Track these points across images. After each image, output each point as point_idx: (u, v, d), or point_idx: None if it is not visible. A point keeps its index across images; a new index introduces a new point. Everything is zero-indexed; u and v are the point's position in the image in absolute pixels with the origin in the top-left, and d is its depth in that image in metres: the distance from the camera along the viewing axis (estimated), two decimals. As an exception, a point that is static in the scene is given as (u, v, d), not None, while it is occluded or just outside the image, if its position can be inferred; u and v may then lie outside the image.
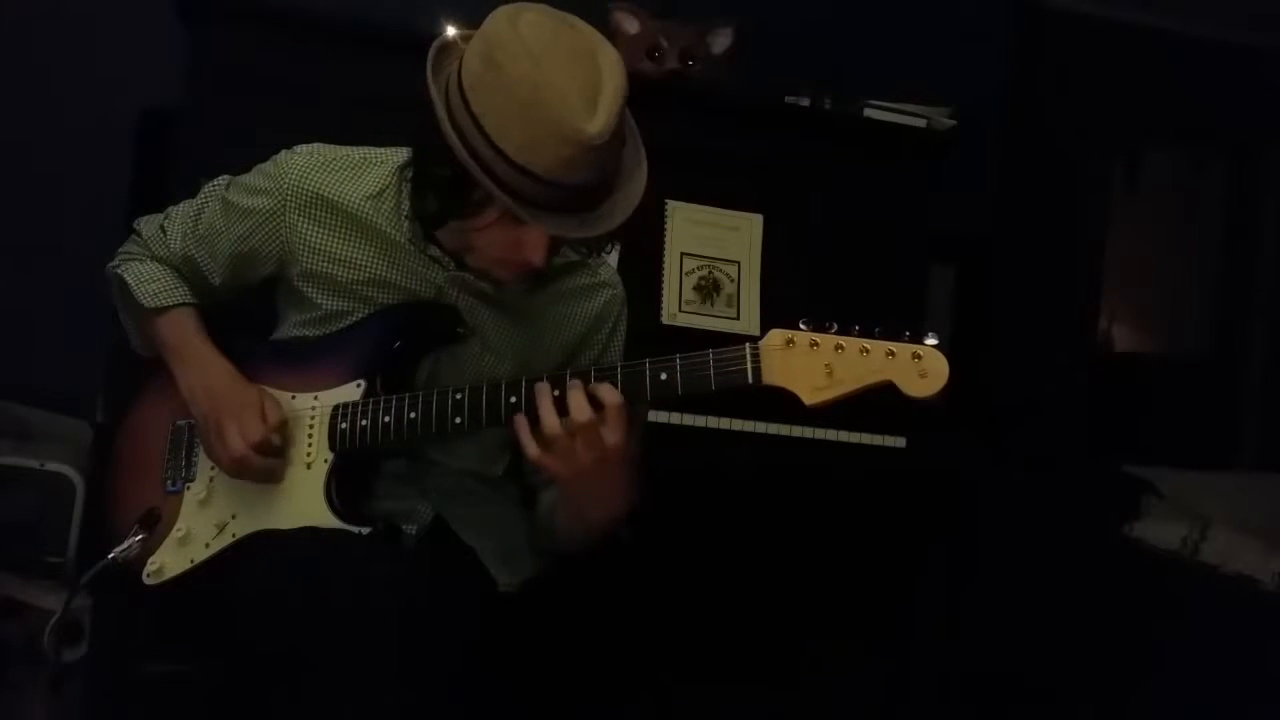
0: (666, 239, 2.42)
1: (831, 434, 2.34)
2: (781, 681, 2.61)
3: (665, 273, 2.40)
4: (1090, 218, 3.68)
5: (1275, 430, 3.74)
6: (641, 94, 1.46)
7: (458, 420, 1.50)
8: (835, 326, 1.39)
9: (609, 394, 1.40)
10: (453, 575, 1.55)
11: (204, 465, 1.61)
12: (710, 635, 2.52)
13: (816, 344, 1.38)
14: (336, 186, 1.60)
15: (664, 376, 1.42)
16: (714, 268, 2.44)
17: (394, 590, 1.36)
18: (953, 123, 2.66)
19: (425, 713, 1.30)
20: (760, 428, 2.30)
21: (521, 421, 1.43)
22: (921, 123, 2.63)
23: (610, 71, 1.39)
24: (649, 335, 1.85)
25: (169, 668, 1.76)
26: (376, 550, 1.48)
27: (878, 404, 1.38)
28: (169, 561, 1.58)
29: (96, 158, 2.56)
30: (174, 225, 1.69)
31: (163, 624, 1.66)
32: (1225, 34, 3.66)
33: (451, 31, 1.46)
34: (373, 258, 1.60)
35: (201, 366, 1.61)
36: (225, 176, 1.69)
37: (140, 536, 1.54)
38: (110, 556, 1.52)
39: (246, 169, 1.67)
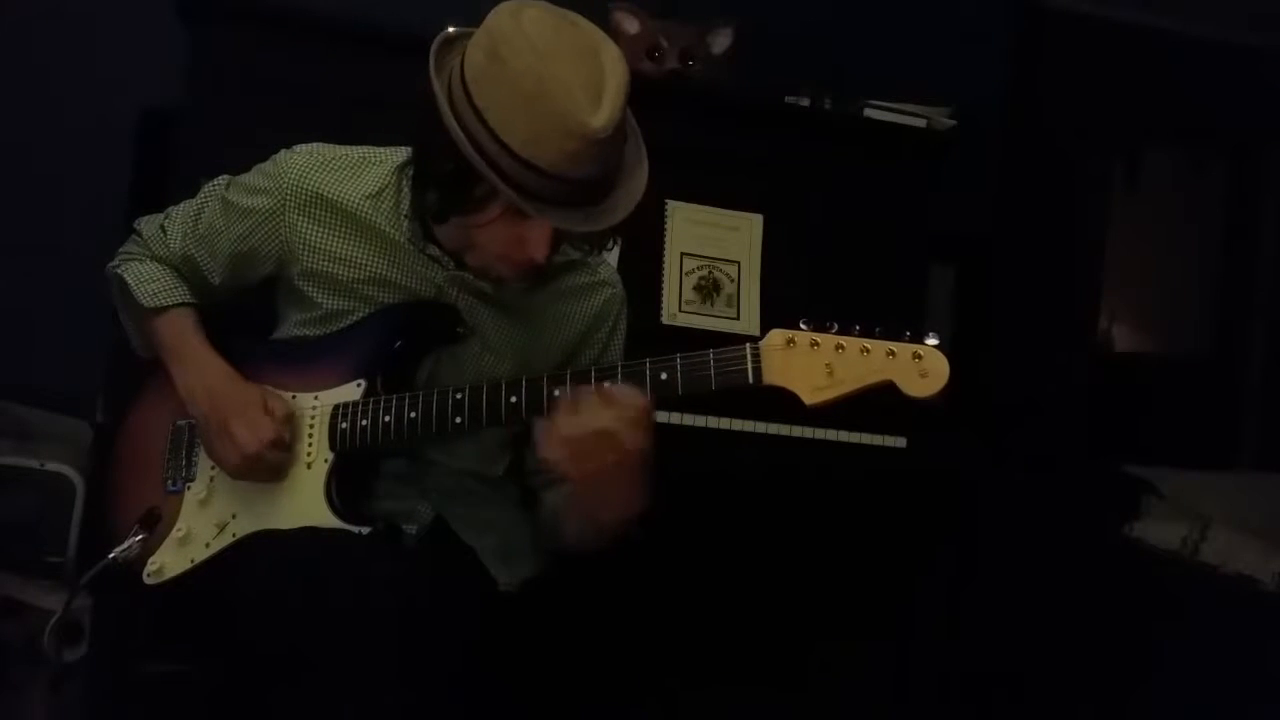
0: (666, 239, 2.42)
1: (832, 434, 2.34)
2: (777, 680, 2.61)
3: (665, 273, 2.40)
4: (1090, 218, 3.68)
5: (1275, 430, 3.74)
6: (641, 94, 1.46)
7: (458, 420, 1.50)
8: (836, 326, 1.39)
9: (633, 396, 1.39)
10: (453, 575, 1.55)
11: (204, 465, 1.61)
12: (709, 635, 2.52)
13: (817, 344, 1.38)
14: (336, 186, 1.60)
15: (664, 376, 1.42)
16: (714, 268, 2.43)
17: (394, 590, 1.36)
18: (953, 123, 2.66)
19: (426, 713, 1.30)
20: (760, 428, 2.29)
21: (542, 420, 1.42)
22: (921, 123, 2.63)
23: (613, 67, 1.39)
24: (649, 335, 1.86)
25: (169, 668, 1.76)
26: (377, 550, 1.48)
27: (878, 404, 1.38)
28: (169, 561, 1.58)
29: (96, 158, 2.56)
30: (174, 225, 1.69)
31: (163, 624, 1.66)
32: (1225, 34, 3.66)
33: (453, 30, 1.47)
34: (372, 257, 1.60)
35: (199, 367, 1.61)
36: (225, 176, 1.69)
37: (140, 536, 1.54)
38: (111, 556, 1.52)
39: (246, 169, 1.67)
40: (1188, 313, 3.86)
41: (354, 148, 1.65)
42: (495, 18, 1.40)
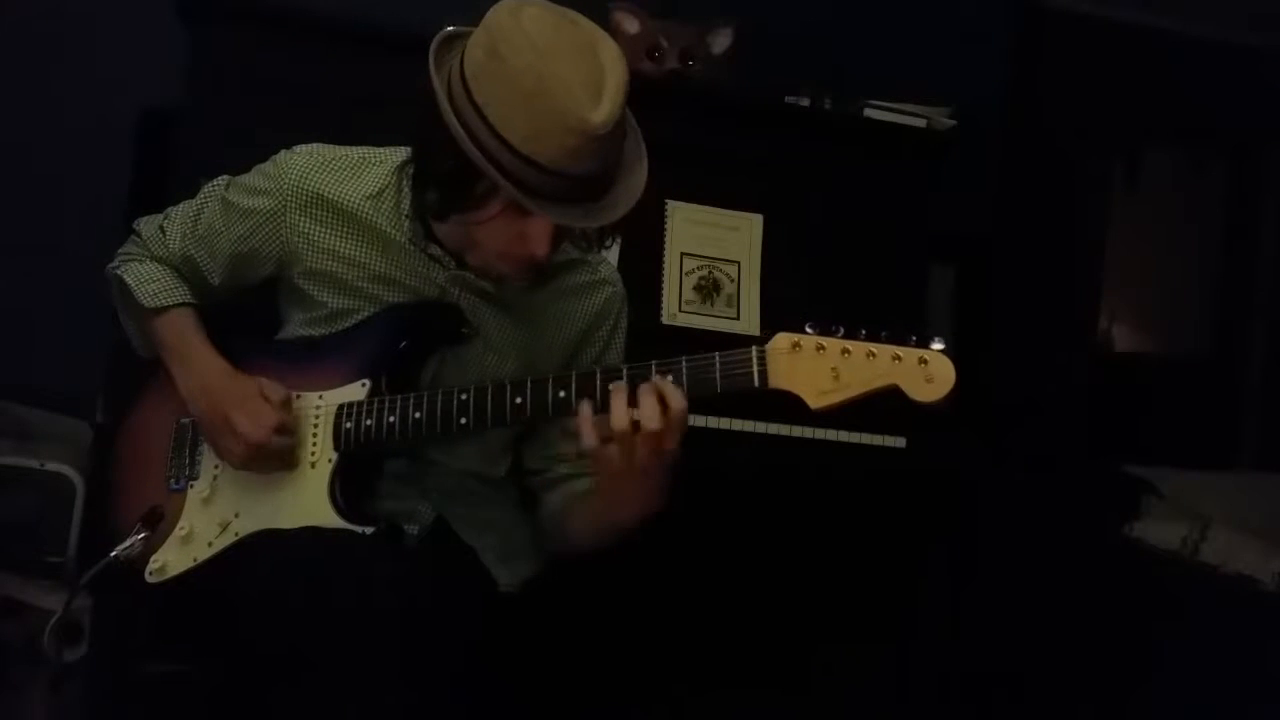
0: (666, 239, 2.42)
1: (831, 434, 2.34)
2: (776, 679, 2.60)
3: (665, 273, 2.40)
4: (1090, 218, 3.68)
5: (1275, 430, 3.74)
6: (641, 94, 1.46)
7: (463, 421, 1.50)
8: (841, 330, 1.38)
9: (676, 399, 1.38)
10: (454, 575, 1.55)
11: (208, 463, 1.61)
12: (709, 635, 2.51)
13: (823, 348, 1.37)
14: (336, 186, 1.60)
15: (669, 378, 1.42)
16: (714, 268, 2.43)
17: (396, 590, 1.36)
18: (953, 123, 2.66)
19: (427, 713, 1.30)
20: (760, 428, 2.29)
21: (585, 411, 1.41)
22: (921, 123, 2.63)
23: (612, 64, 1.40)
24: (649, 335, 1.86)
25: (169, 668, 1.76)
26: (379, 550, 1.48)
27: (878, 404, 1.38)
28: (172, 560, 1.58)
29: (96, 158, 2.55)
30: (173, 226, 1.69)
31: (164, 623, 1.65)
32: (1225, 34, 3.66)
33: (452, 28, 1.47)
34: (374, 257, 1.60)
35: (198, 366, 1.61)
36: (225, 177, 1.69)
37: (143, 535, 1.54)
38: (113, 554, 1.52)
39: (246, 169, 1.67)
40: (1188, 313, 3.86)
41: (354, 148, 1.65)
42: (495, 15, 1.40)
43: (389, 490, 1.61)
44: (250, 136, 1.82)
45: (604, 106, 1.36)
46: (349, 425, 1.54)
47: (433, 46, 1.43)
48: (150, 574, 1.57)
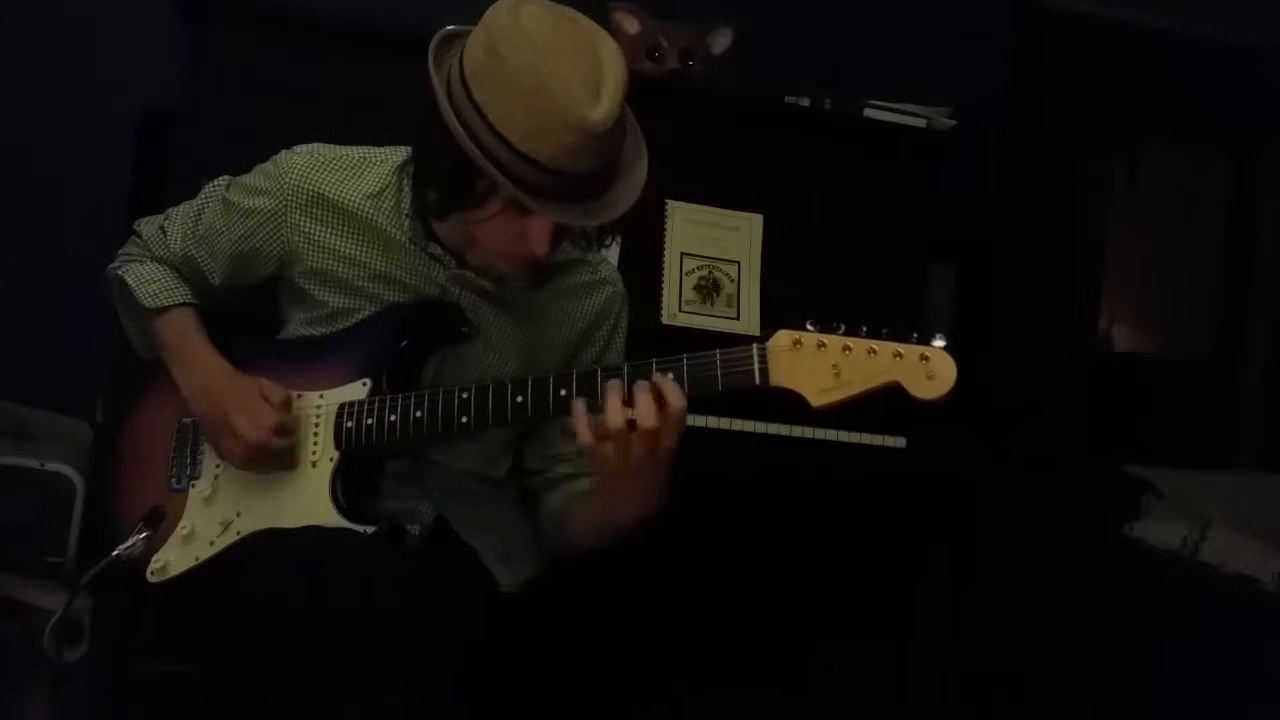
0: (666, 239, 2.42)
1: (831, 434, 2.34)
2: (775, 679, 2.60)
3: (665, 273, 2.40)
4: (1090, 218, 3.68)
5: (1275, 430, 3.74)
6: (641, 94, 1.46)
7: (464, 420, 1.50)
8: (843, 327, 1.38)
9: (675, 397, 1.38)
10: (455, 575, 1.55)
11: (209, 463, 1.61)
12: (708, 634, 2.51)
13: (824, 345, 1.37)
14: (336, 186, 1.60)
15: (670, 377, 1.41)
16: (714, 268, 2.43)
17: (398, 590, 1.36)
18: (953, 123, 2.66)
19: (428, 713, 1.30)
20: (760, 427, 2.29)
21: (580, 409, 1.41)
22: (921, 123, 2.63)
23: (611, 62, 1.40)
24: (649, 335, 1.86)
25: (169, 668, 1.75)
26: (380, 550, 1.48)
27: (878, 403, 1.38)
28: (173, 559, 1.58)
29: (96, 158, 2.55)
30: (174, 226, 1.69)
31: (165, 623, 1.65)
32: (1225, 34, 3.66)
33: (452, 27, 1.47)
34: (374, 257, 1.60)
35: (199, 367, 1.61)
36: (225, 177, 1.69)
37: (144, 534, 1.54)
38: (114, 554, 1.52)
39: (246, 169, 1.67)
40: (1188, 313, 3.86)
41: (354, 148, 1.65)
42: (494, 14, 1.40)
43: (390, 490, 1.61)
44: (250, 136, 1.82)
45: (603, 104, 1.36)
46: (350, 424, 1.54)
47: (432, 46, 1.43)
48: (152, 573, 1.57)
